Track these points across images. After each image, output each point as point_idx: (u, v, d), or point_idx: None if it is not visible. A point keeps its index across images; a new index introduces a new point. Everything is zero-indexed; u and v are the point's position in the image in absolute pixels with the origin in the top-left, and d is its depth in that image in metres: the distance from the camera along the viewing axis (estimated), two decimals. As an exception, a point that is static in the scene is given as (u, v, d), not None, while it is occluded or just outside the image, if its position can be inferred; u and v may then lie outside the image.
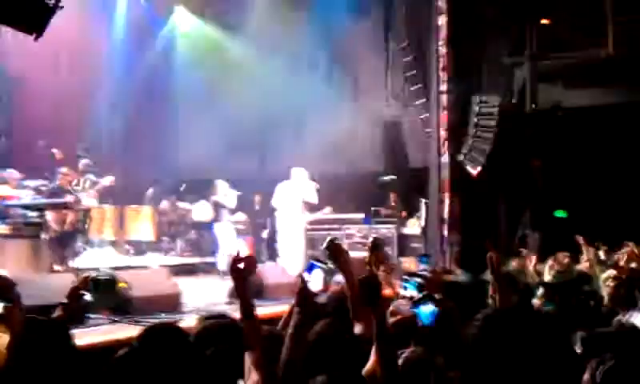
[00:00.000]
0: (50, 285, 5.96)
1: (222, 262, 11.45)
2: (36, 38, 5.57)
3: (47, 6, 5.30)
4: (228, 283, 6.26)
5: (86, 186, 10.82)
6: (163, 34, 15.54)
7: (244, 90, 14.10)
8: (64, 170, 9.63)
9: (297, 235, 11.30)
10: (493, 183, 12.72)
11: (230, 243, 11.52)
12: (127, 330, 5.83)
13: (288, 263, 10.83)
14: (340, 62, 13.19)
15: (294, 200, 11.30)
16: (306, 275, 3.33)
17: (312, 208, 11.86)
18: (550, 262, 7.68)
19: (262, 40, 13.86)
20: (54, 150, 9.58)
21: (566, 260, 7.81)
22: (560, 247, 8.27)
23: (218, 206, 11.54)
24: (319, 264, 3.46)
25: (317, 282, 3.54)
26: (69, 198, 9.07)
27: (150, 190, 14.10)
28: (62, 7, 5.34)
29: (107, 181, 10.15)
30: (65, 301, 3.91)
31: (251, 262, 3.20)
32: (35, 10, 5.27)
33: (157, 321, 6.09)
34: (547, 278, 7.13)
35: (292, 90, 13.24)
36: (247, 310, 3.06)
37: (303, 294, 3.10)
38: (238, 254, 3.16)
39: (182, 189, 14.34)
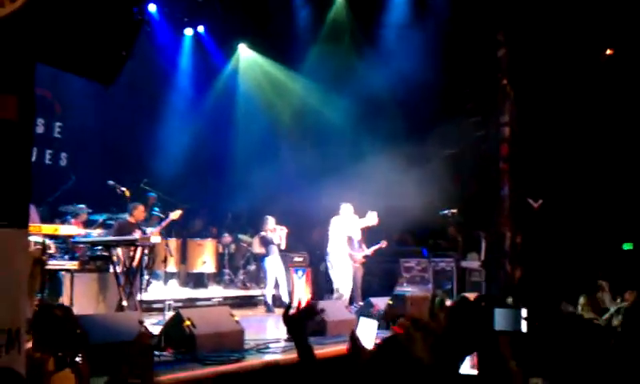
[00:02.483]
0: (117, 323, 6.14)
1: (269, 295, 11.65)
2: (107, 87, 5.72)
3: (120, 56, 5.43)
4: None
5: (154, 221, 11.07)
6: (226, 70, 15.89)
7: (304, 128, 14.34)
8: (132, 205, 9.90)
9: (349, 268, 11.37)
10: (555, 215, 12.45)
11: (278, 278, 11.69)
12: (191, 368, 5.96)
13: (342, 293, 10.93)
14: (400, 96, 13.21)
15: (344, 234, 11.39)
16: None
17: (362, 237, 11.86)
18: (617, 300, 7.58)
19: (324, 80, 14.05)
20: (123, 189, 9.86)
21: (633, 297, 7.65)
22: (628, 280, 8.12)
23: (265, 241, 11.72)
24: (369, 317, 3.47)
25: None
26: (137, 234, 9.26)
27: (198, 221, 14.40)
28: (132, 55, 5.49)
29: (176, 215, 10.30)
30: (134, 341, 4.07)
31: (308, 311, 3.17)
32: (108, 60, 5.41)
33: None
34: (612, 311, 7.02)
35: (350, 126, 13.36)
36: (305, 354, 3.04)
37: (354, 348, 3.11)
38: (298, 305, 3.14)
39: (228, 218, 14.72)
